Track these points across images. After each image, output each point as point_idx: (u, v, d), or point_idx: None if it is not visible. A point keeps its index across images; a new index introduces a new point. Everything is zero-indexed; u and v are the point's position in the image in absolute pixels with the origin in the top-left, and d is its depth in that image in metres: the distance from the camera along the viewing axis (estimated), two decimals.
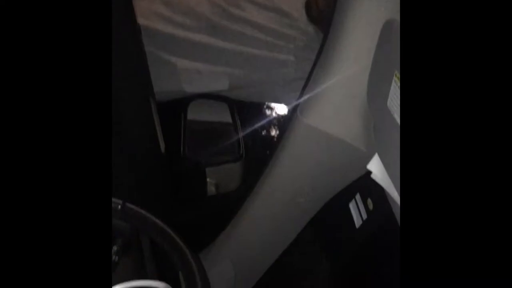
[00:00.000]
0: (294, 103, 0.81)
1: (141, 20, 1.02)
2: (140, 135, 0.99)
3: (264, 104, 1.43)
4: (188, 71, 1.26)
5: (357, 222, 0.81)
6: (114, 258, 0.74)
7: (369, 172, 0.76)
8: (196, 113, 1.31)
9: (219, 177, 1.22)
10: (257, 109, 1.45)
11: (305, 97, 0.76)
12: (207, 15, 1.28)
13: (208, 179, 1.20)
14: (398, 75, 0.55)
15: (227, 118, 1.31)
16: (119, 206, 0.70)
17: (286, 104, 1.31)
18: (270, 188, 0.87)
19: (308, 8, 1.36)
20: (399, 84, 0.54)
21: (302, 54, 1.28)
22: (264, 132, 1.48)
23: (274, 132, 1.48)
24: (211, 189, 1.20)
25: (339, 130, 0.74)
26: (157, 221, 0.72)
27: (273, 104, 1.42)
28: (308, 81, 0.76)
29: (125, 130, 0.93)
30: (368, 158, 0.78)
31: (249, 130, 1.30)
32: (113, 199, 0.70)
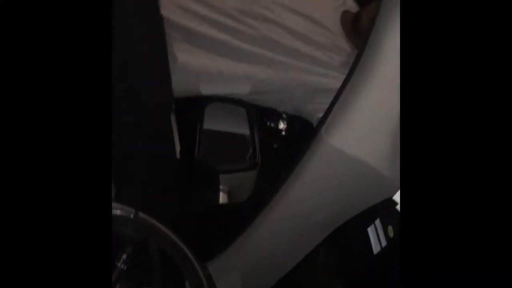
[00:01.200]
0: (318, 118, 0.77)
1: (164, 12, 0.98)
2: (155, 137, 0.97)
3: (283, 113, 1.39)
4: (208, 70, 1.21)
5: (375, 248, 0.79)
6: (123, 266, 0.72)
7: (391, 199, 0.73)
8: (212, 115, 1.28)
9: (232, 185, 1.19)
10: (274, 117, 1.42)
11: (331, 116, 0.73)
12: (234, 13, 1.24)
13: (220, 186, 1.17)
14: None
15: (244, 124, 1.28)
16: (132, 215, 0.69)
17: (305, 115, 1.27)
18: (286, 203, 0.84)
19: (356, 19, 1.32)
20: None
21: (332, 67, 1.24)
22: (278, 141, 1.44)
23: (288, 142, 1.45)
24: (223, 197, 1.17)
25: (364, 154, 0.71)
26: (169, 233, 0.71)
27: (292, 115, 1.37)
28: (336, 99, 0.73)
29: (142, 131, 0.91)
30: (391, 184, 0.75)
31: (266, 138, 1.27)
32: (126, 208, 0.69)
